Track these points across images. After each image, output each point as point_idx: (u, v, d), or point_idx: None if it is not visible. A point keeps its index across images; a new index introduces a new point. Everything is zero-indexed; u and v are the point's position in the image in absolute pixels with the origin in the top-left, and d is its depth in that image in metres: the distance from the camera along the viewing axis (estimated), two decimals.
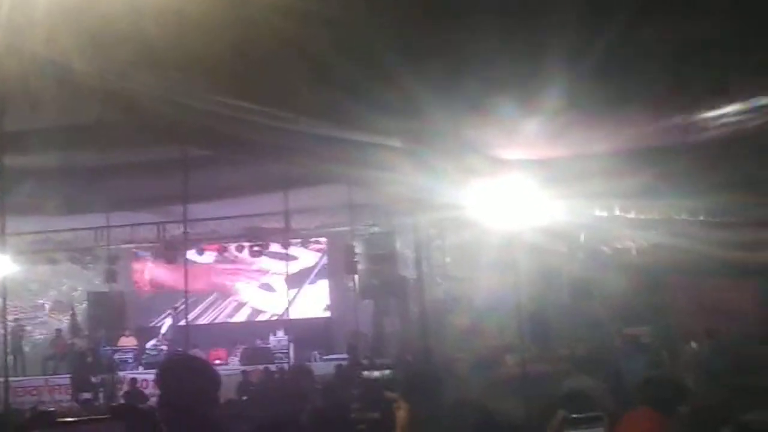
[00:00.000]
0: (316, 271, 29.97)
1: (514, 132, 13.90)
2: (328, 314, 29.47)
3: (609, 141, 14.27)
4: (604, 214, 17.88)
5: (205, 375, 3.49)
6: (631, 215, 17.63)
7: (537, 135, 13.93)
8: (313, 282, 29.99)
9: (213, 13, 7.79)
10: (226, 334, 28.72)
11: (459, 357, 19.96)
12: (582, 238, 19.97)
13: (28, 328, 30.05)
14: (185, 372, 3.25)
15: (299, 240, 28.36)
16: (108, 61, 8.88)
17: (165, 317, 30.45)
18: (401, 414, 4.76)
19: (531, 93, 12.11)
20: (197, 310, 29.34)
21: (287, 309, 24.75)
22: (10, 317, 25.09)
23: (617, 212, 17.41)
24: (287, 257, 26.80)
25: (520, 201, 13.66)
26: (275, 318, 28.81)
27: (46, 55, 8.51)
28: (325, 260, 29.75)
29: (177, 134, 15.79)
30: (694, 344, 17.65)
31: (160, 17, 7.44)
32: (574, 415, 3.95)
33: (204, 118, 13.95)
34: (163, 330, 29.36)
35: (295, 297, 27.91)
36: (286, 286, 26.67)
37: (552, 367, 15.71)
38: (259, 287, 30.54)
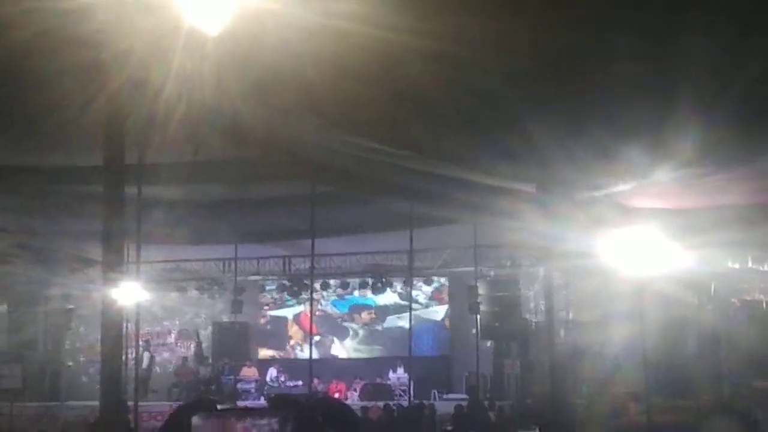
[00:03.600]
0: (438, 310, 29.99)
1: (646, 181, 13.83)
2: (448, 353, 29.42)
3: (743, 192, 14.07)
4: (737, 265, 17.60)
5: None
6: (764, 267, 17.29)
7: (669, 184, 13.83)
8: (434, 320, 30.01)
9: (367, 62, 8.07)
10: (345, 368, 28.90)
11: (582, 403, 19.78)
12: (713, 288, 19.63)
13: (156, 355, 30.83)
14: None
15: (422, 278, 28.49)
16: (267, 104, 9.26)
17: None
18: None
19: (664, 141, 12.05)
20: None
21: (408, 346, 24.78)
22: (141, 342, 25.88)
23: (750, 264, 17.11)
24: (408, 295, 26.92)
25: (650, 250, 13.54)
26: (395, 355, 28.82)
27: (213, 101, 8.92)
28: (446, 300, 29.74)
29: (309, 171, 16.20)
30: None
31: (318, 69, 7.75)
32: None
33: (338, 157, 14.31)
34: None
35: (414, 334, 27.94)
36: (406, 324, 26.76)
37: (678, 418, 15.47)
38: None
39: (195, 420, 2.89)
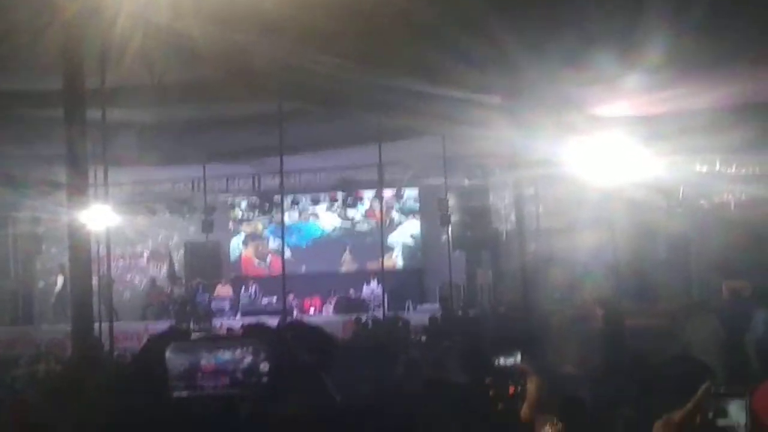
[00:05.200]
0: (407, 221, 30.08)
1: (614, 88, 13.81)
2: (421, 265, 29.60)
3: (711, 96, 14.08)
4: (704, 169, 17.69)
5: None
6: (732, 170, 17.41)
7: (637, 91, 13.81)
8: (404, 232, 30.13)
9: None
10: (319, 283, 29.00)
11: (554, 310, 20.00)
12: (681, 193, 19.77)
13: (127, 276, 30.86)
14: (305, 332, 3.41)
15: (392, 191, 28.49)
16: (224, 30, 9.12)
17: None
18: (532, 386, 4.79)
19: (632, 47, 12.00)
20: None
21: (380, 259, 24.88)
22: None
23: (717, 167, 17.22)
24: (379, 208, 26.96)
25: (618, 157, 13.58)
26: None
27: (168, 24, 8.77)
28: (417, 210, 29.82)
29: (275, 89, 16.06)
30: None
31: None
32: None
33: (302, 74, 14.17)
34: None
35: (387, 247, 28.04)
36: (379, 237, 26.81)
37: (650, 322, 15.66)
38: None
39: (168, 350, 2.89)
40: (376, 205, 27.28)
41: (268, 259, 30.95)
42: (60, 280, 27.15)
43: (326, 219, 30.69)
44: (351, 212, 30.17)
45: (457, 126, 17.59)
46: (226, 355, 3.24)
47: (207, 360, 3.24)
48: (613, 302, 14.68)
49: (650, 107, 14.68)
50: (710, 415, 3.41)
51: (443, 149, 21.91)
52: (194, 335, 3.25)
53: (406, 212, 30.22)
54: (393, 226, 29.87)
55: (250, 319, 17.74)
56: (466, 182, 25.84)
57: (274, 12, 8.51)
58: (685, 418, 3.29)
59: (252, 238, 31.56)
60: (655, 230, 20.82)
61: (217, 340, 3.27)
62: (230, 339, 3.24)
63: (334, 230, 30.73)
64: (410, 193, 29.70)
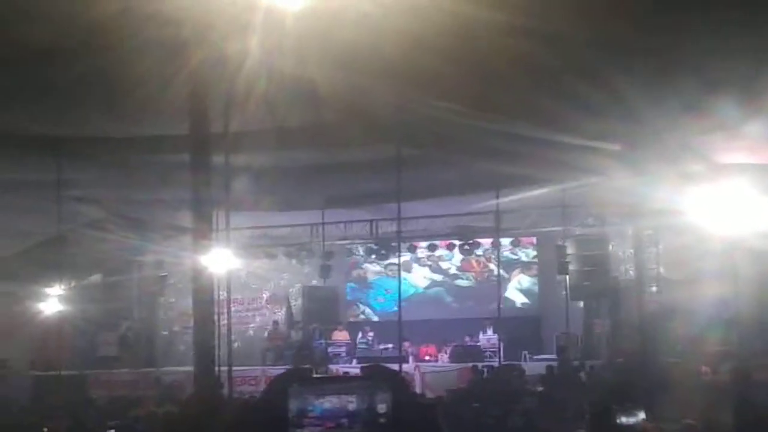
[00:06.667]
0: (527, 270, 29.78)
1: (736, 135, 13.56)
2: (538, 314, 29.24)
3: None
4: None
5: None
6: None
7: (760, 138, 13.54)
8: (523, 281, 29.83)
9: (445, 33, 8.08)
10: (435, 330, 28.89)
11: (675, 362, 19.57)
12: None
13: (247, 320, 31.28)
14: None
15: (510, 239, 28.34)
16: (346, 76, 9.34)
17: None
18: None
19: (755, 93, 11.79)
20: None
21: (498, 307, 24.73)
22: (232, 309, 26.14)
23: None
24: (497, 256, 26.86)
25: (741, 206, 13.29)
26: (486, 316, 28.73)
27: (290, 70, 9.02)
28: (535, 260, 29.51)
29: (393, 134, 16.25)
30: None
31: (396, 39, 7.78)
32: None
33: (421, 119, 14.32)
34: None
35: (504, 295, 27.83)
36: (495, 285, 26.66)
37: None
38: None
39: (292, 389, 2.98)
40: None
41: None
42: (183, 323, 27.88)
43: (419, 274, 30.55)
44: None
45: (577, 174, 17.50)
46: (347, 394, 3.35)
47: (329, 399, 3.35)
48: (738, 355, 14.32)
49: None
50: None
51: (563, 197, 21.77)
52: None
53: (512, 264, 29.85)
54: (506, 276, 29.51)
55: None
56: (585, 230, 25.53)
57: (394, 56, 8.68)
58: None
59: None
60: None
61: (337, 381, 3.36)
62: (351, 379, 3.33)
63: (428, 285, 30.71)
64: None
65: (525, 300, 29.48)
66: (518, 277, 29.58)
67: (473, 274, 30.04)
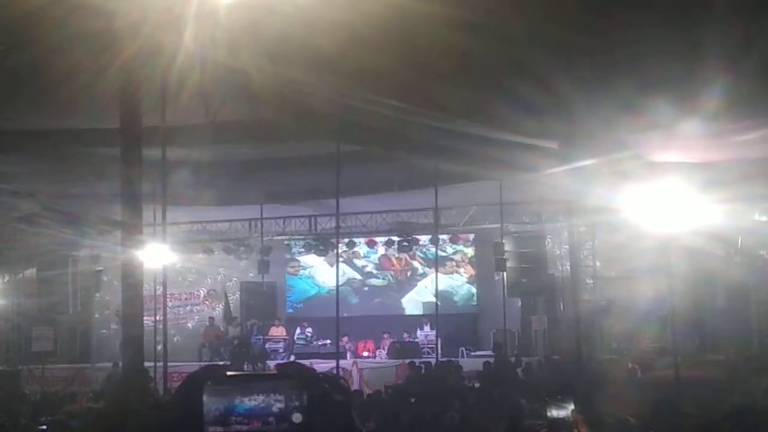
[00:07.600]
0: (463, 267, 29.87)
1: (671, 134, 13.71)
2: (476, 311, 29.33)
3: None
4: (763, 218, 17.45)
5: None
6: None
7: (695, 137, 13.70)
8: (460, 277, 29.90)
9: (383, 27, 8.02)
10: (374, 326, 28.86)
11: (609, 359, 19.80)
12: (740, 242, 19.47)
13: (185, 315, 31.08)
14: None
15: (447, 236, 28.41)
16: (281, 69, 9.24)
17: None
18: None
19: (690, 94, 11.92)
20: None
21: (435, 303, 24.77)
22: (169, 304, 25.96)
23: None
24: (435, 253, 26.90)
25: (676, 204, 13.44)
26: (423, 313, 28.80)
27: (225, 62, 8.91)
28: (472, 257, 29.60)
29: (332, 130, 16.17)
30: None
31: (332, 32, 7.71)
32: None
33: (359, 115, 14.27)
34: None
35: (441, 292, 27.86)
36: (433, 281, 26.69)
37: (707, 372, 15.43)
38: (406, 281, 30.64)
39: (206, 388, 2.93)
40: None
41: None
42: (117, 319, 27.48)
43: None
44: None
45: (514, 171, 17.58)
46: (262, 393, 3.29)
47: (243, 397, 3.30)
48: (670, 352, 14.49)
49: (708, 154, 14.54)
50: None
51: (500, 194, 21.87)
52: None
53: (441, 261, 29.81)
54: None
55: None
56: (522, 228, 25.71)
57: (330, 50, 8.60)
58: None
59: None
60: (713, 279, 20.54)
61: (253, 379, 3.31)
62: (266, 377, 3.28)
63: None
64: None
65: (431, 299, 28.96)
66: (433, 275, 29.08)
67: (392, 272, 29.96)
